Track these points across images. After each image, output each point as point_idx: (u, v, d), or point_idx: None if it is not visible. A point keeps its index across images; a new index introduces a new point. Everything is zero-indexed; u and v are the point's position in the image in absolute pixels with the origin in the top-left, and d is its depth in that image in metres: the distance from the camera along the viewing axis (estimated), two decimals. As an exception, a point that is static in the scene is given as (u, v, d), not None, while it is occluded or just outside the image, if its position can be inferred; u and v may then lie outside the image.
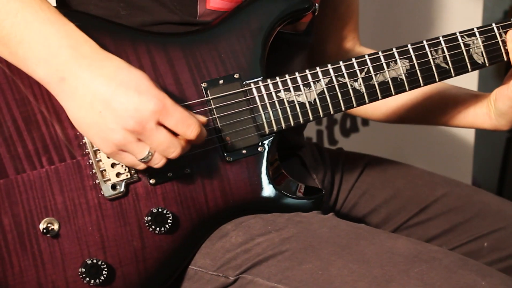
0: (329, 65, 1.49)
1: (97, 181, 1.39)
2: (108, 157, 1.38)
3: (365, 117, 1.93)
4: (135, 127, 1.28)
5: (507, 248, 1.71)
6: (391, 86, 1.52)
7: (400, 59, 1.52)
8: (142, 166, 1.34)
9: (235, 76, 1.46)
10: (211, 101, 1.44)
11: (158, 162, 1.32)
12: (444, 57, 1.54)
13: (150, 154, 1.31)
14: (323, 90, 1.49)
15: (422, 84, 1.54)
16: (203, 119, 1.36)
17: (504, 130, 1.69)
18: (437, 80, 1.54)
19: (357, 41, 1.93)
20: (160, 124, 1.29)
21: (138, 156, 1.31)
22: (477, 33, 1.56)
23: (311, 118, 1.49)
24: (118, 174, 1.39)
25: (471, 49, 1.55)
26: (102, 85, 1.28)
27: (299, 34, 1.64)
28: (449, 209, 1.75)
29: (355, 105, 1.51)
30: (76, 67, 1.28)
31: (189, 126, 1.31)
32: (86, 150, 1.38)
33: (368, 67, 1.51)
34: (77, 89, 1.28)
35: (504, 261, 1.70)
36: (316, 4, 1.54)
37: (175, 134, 1.31)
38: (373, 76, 1.51)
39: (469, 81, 2.79)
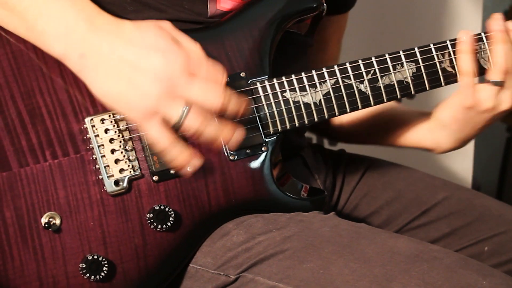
0: (335, 66, 1.49)
1: (100, 176, 1.38)
2: (113, 153, 1.38)
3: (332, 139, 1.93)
4: (165, 86, 1.28)
5: (508, 252, 1.70)
6: (397, 89, 1.52)
7: (406, 62, 1.52)
8: (167, 140, 1.31)
9: (241, 74, 1.46)
10: None
11: (195, 118, 1.30)
12: (451, 61, 1.54)
13: (185, 110, 1.29)
14: (329, 91, 1.49)
15: (428, 88, 1.54)
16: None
17: (445, 148, 1.68)
18: (443, 84, 1.53)
19: (336, 61, 1.94)
20: (192, 75, 1.30)
21: (175, 114, 1.29)
22: (484, 38, 1.56)
23: (316, 119, 1.49)
24: (121, 170, 1.39)
25: (478, 54, 1.55)
26: (124, 52, 1.29)
27: (302, 35, 1.64)
28: (450, 213, 1.75)
29: (360, 107, 1.51)
30: (94, 40, 1.30)
31: (219, 71, 1.32)
32: (90, 145, 1.38)
33: (375, 69, 1.50)
34: (100, 62, 1.29)
35: (505, 265, 1.69)
36: (324, 4, 1.53)
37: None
38: (379, 78, 1.51)
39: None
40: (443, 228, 1.74)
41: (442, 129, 1.64)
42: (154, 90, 1.28)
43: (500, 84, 1.52)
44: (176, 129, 1.31)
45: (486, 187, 3.62)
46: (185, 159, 1.33)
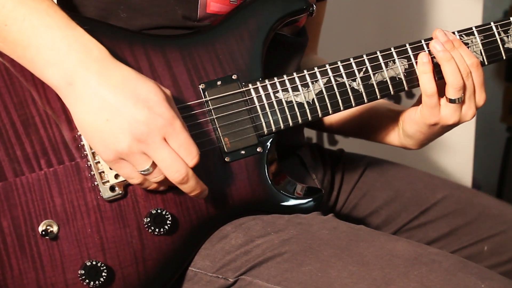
0: (327, 65, 1.49)
1: (95, 183, 1.39)
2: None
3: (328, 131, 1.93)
4: (141, 138, 1.27)
5: (508, 252, 1.70)
6: (390, 86, 1.52)
7: (398, 58, 1.52)
8: (137, 180, 1.33)
9: (233, 77, 1.46)
10: (209, 102, 1.44)
11: (156, 177, 1.32)
12: None
13: (151, 167, 1.30)
14: (322, 90, 1.49)
15: (420, 84, 1.54)
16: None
17: (411, 148, 1.68)
18: (435, 79, 1.54)
19: (315, 49, 1.94)
20: (165, 141, 1.29)
21: (139, 168, 1.30)
22: (475, 32, 1.56)
23: (309, 118, 1.49)
24: (116, 176, 1.39)
25: (469, 48, 1.55)
26: (110, 94, 1.27)
27: (294, 36, 1.64)
28: (450, 212, 1.75)
29: (353, 105, 1.51)
30: (84, 72, 1.28)
31: (191, 153, 1.31)
32: (85, 152, 1.38)
33: (367, 67, 1.51)
34: (84, 95, 1.28)
35: (504, 265, 1.69)
36: (314, 5, 1.54)
37: None
38: (372, 75, 1.51)
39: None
40: (442, 228, 1.74)
41: (408, 137, 1.65)
42: (128, 138, 1.27)
43: (459, 101, 1.52)
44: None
45: (486, 187, 3.61)
46: (157, 188, 1.37)
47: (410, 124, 1.61)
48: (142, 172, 1.30)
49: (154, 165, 1.30)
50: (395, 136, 1.69)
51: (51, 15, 1.30)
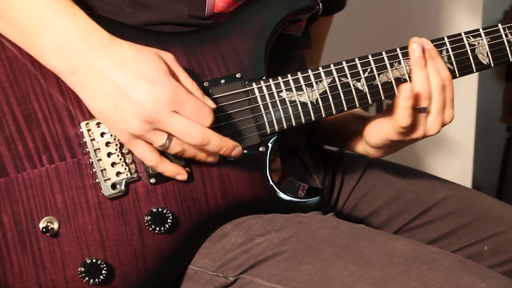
0: (331, 65, 1.48)
1: (97, 180, 1.38)
2: (109, 156, 1.38)
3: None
4: (149, 118, 1.29)
5: (508, 251, 1.70)
6: (394, 86, 1.51)
7: (403, 59, 1.51)
8: (151, 161, 1.35)
9: (236, 75, 1.45)
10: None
11: (176, 148, 1.34)
12: (449, 57, 1.54)
13: (167, 141, 1.32)
14: (326, 90, 1.48)
15: (426, 84, 1.53)
16: (213, 104, 1.37)
17: (374, 156, 1.67)
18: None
19: (317, 62, 1.94)
20: (175, 112, 1.30)
21: (156, 144, 1.32)
22: (482, 34, 1.55)
23: (313, 118, 1.49)
24: (118, 173, 1.39)
25: (476, 49, 1.55)
26: (115, 75, 1.29)
27: (300, 37, 1.64)
28: (450, 212, 1.74)
29: (357, 105, 1.50)
30: (86, 58, 1.30)
31: (203, 113, 1.32)
32: (87, 149, 1.38)
33: (371, 67, 1.50)
34: (89, 81, 1.30)
35: (505, 264, 1.69)
36: (320, 4, 1.53)
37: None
38: (376, 76, 1.50)
39: (469, 82, 2.79)
40: (443, 228, 1.74)
41: (372, 149, 1.64)
42: (137, 119, 1.30)
43: (423, 111, 1.51)
44: (160, 149, 1.35)
45: (486, 187, 3.62)
46: (172, 174, 1.38)
47: (374, 138, 1.59)
48: (160, 147, 1.32)
49: (170, 137, 1.32)
50: (358, 146, 1.68)
51: (57, 2, 1.32)
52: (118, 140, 1.39)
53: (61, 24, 1.31)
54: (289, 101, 1.47)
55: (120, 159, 1.39)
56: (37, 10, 1.31)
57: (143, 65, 1.30)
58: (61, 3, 1.32)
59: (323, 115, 1.49)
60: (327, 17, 1.84)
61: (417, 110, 1.50)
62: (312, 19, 1.67)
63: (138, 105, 1.29)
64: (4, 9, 1.32)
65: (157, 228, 1.39)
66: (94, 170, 1.38)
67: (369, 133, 1.61)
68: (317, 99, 1.48)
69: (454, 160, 2.97)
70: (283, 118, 1.47)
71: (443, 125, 1.54)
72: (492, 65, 1.56)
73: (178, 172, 1.39)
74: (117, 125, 1.31)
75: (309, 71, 1.48)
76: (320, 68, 1.48)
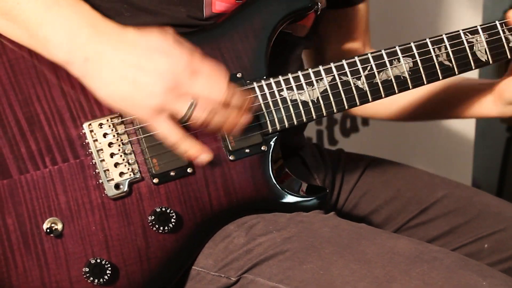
0: (331, 64, 1.49)
1: (100, 180, 1.38)
2: (112, 157, 1.38)
3: (375, 117, 1.93)
4: (172, 84, 1.31)
5: (508, 249, 1.70)
6: (395, 84, 1.52)
7: (403, 57, 1.52)
8: (174, 137, 1.35)
9: (237, 75, 1.46)
10: None
11: (204, 109, 1.34)
12: (447, 55, 1.54)
13: (192, 106, 1.33)
14: (326, 89, 1.49)
15: (425, 82, 1.54)
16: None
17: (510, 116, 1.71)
18: (440, 78, 1.54)
19: (367, 43, 1.95)
20: (195, 72, 1.33)
21: (183, 110, 1.33)
22: (480, 31, 1.56)
23: (314, 117, 1.49)
24: (121, 174, 1.39)
25: (474, 46, 1.55)
26: (128, 55, 1.31)
27: (300, 37, 1.64)
28: (450, 211, 1.75)
29: (358, 104, 1.51)
30: (97, 44, 1.32)
31: (221, 71, 1.35)
32: (89, 150, 1.38)
33: (371, 65, 1.51)
34: (103, 65, 1.31)
35: (505, 262, 1.69)
36: (319, 4, 1.53)
37: None
38: (376, 74, 1.51)
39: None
40: (442, 226, 1.74)
41: (510, 104, 1.68)
42: (160, 89, 1.31)
43: None
44: (183, 122, 1.35)
45: (486, 186, 3.62)
46: (194, 154, 1.38)
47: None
48: (185, 118, 1.33)
49: (194, 103, 1.33)
50: (491, 107, 1.71)
51: None
52: (121, 140, 1.39)
53: (68, 15, 1.32)
54: (290, 100, 1.47)
55: (123, 160, 1.39)
56: (43, 3, 1.32)
57: (152, 41, 1.32)
58: None
59: (324, 114, 1.49)
60: (360, 5, 1.88)
61: None
62: (316, 19, 1.67)
63: (159, 75, 1.30)
64: (6, 6, 1.33)
65: (161, 228, 1.39)
66: (97, 170, 1.38)
67: (506, 92, 1.65)
68: (318, 97, 1.49)
69: (454, 160, 2.98)
70: (284, 117, 1.47)
71: None
72: (491, 62, 1.57)
73: (203, 151, 1.38)
74: (139, 103, 1.32)
75: (309, 69, 1.48)
76: (320, 67, 1.49)
